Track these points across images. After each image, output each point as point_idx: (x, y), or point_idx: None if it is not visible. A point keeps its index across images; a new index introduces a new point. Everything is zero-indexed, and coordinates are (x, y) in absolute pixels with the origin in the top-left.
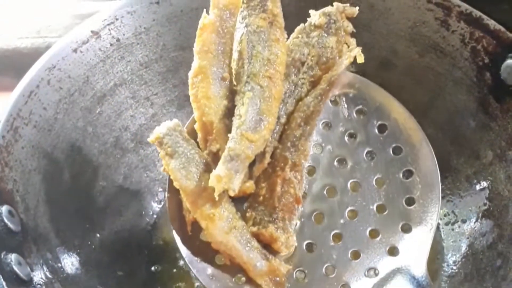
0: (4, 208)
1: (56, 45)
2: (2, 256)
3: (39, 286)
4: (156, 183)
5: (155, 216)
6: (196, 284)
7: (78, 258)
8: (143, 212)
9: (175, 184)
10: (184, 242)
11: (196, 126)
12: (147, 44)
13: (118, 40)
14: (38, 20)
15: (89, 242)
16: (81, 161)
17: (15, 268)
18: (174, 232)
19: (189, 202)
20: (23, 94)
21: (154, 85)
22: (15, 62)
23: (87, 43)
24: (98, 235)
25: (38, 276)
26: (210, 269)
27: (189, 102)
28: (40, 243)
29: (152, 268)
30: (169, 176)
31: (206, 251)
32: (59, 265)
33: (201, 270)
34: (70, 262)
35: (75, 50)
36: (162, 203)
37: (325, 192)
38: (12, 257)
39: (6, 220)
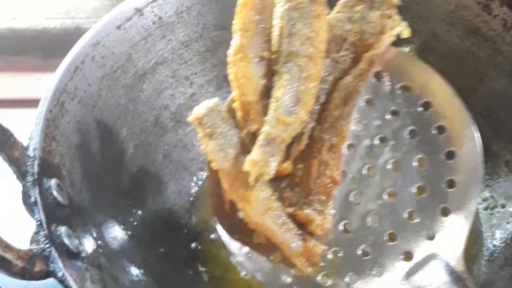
0: (53, 182)
1: (100, 22)
2: (53, 228)
3: (86, 259)
4: (194, 162)
5: (193, 195)
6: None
7: (121, 234)
8: (182, 191)
9: (213, 165)
10: (221, 220)
11: (236, 105)
12: (188, 23)
13: (160, 18)
14: (67, 1)
15: (131, 219)
16: (122, 139)
17: (66, 240)
18: (212, 209)
19: (226, 183)
20: (69, 69)
21: (194, 64)
22: (43, 43)
23: (130, 20)
24: (139, 212)
25: (85, 249)
26: (246, 247)
27: (227, 83)
28: (85, 218)
29: (192, 245)
30: (207, 156)
31: (243, 229)
32: (104, 240)
33: (237, 247)
34: (113, 238)
35: (118, 27)
36: (200, 182)
37: (364, 171)
38: (62, 229)
39: (55, 193)
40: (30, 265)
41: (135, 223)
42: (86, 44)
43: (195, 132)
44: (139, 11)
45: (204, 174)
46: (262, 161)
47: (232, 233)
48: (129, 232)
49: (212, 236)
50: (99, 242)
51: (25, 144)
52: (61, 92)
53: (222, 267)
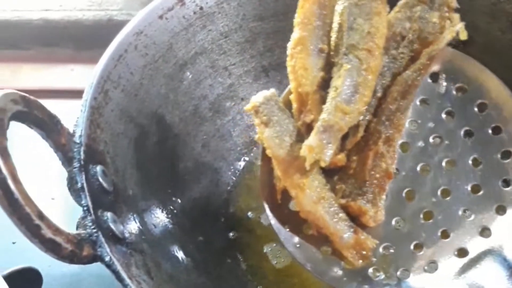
0: (98, 168)
1: (143, 11)
2: (99, 213)
3: (130, 244)
4: (232, 153)
5: (230, 185)
6: (267, 249)
7: (161, 221)
8: (220, 181)
9: (268, 152)
10: (273, 209)
11: (292, 97)
12: (228, 13)
13: (201, 8)
14: None
15: (171, 207)
16: (163, 128)
17: (111, 225)
18: (263, 199)
19: (280, 170)
20: (113, 57)
21: (233, 55)
22: (76, 34)
23: (172, 10)
24: (179, 200)
25: (129, 235)
26: (297, 238)
27: (264, 74)
28: (128, 205)
29: (230, 234)
30: (262, 144)
31: (294, 220)
32: (145, 226)
33: (288, 238)
34: (154, 224)
35: (160, 17)
36: (238, 172)
37: (418, 169)
38: (108, 215)
39: (101, 179)
40: (78, 249)
41: (175, 211)
42: (129, 33)
43: (232, 123)
44: (180, 1)
45: (241, 165)
46: (319, 147)
47: (283, 222)
48: (170, 220)
49: (250, 225)
50: (142, 228)
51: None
52: (105, 80)
53: (259, 256)
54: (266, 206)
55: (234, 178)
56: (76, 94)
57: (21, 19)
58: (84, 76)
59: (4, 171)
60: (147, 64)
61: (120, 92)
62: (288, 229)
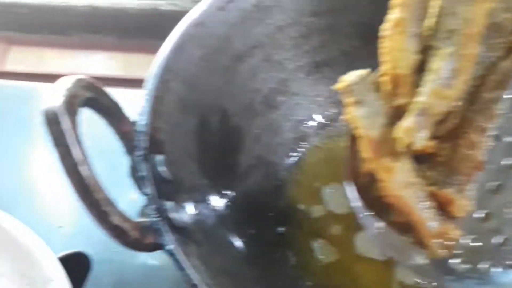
0: (160, 157)
1: (203, 3)
2: (161, 202)
3: (188, 234)
4: (282, 148)
5: (280, 179)
6: (315, 245)
7: (215, 213)
8: (270, 175)
9: (358, 132)
10: (357, 193)
11: (383, 79)
12: (285, 7)
13: (259, 1)
14: None
15: (225, 199)
16: (217, 120)
17: (172, 215)
18: (349, 181)
19: (370, 151)
20: (174, 48)
21: (287, 49)
22: (120, 23)
23: (231, 2)
24: (232, 193)
25: (187, 225)
26: (379, 223)
27: (317, 70)
28: (185, 195)
29: (279, 229)
30: (351, 125)
31: (377, 205)
32: (201, 217)
33: (370, 222)
34: (208, 216)
35: (220, 9)
36: (287, 167)
37: (504, 163)
38: (169, 204)
39: (162, 169)
40: (142, 237)
41: (229, 203)
42: (189, 24)
43: (284, 117)
44: None
45: (291, 160)
46: (413, 129)
47: (367, 206)
48: (223, 212)
49: (299, 220)
50: (198, 219)
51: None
52: (166, 70)
53: (307, 251)
54: (350, 190)
55: (284, 173)
56: (116, 82)
57: (68, 5)
58: (125, 64)
59: (76, 156)
60: (204, 56)
61: (179, 82)
62: (371, 214)
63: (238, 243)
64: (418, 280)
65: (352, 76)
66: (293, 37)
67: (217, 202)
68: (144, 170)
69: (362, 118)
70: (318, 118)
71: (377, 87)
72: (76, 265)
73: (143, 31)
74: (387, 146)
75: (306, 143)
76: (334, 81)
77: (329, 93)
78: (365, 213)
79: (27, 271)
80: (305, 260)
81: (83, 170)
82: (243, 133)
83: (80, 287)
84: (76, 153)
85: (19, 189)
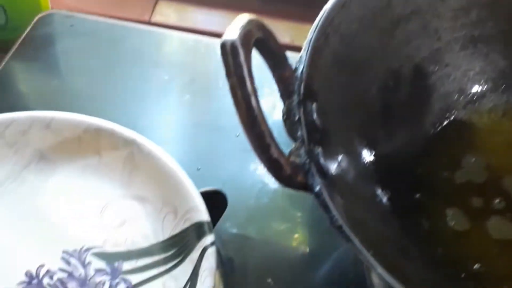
0: (314, 105)
1: None
2: (311, 147)
3: (333, 181)
4: (426, 116)
5: (422, 147)
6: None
7: (358, 167)
8: (412, 141)
9: None
10: None
11: None
12: None
13: None
14: None
15: (364, 159)
16: (366, 80)
17: (321, 159)
18: None
19: None
20: (338, 3)
21: (445, 19)
22: None
23: None
24: (374, 151)
25: (332, 173)
26: None
27: (472, 44)
28: (333, 145)
29: (416, 195)
30: None
31: None
32: (345, 169)
33: None
34: (348, 171)
35: None
36: (430, 136)
37: None
38: (319, 150)
39: (314, 116)
40: (295, 175)
41: (367, 164)
42: None
43: (432, 87)
44: None
45: (434, 130)
46: None
47: None
48: (365, 168)
49: (435, 188)
50: (342, 170)
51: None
52: (328, 24)
53: (442, 218)
54: None
55: (425, 140)
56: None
57: None
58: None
59: (249, 88)
60: (365, 15)
61: (338, 38)
62: None
63: (375, 201)
64: None
65: None
66: (453, 8)
67: (361, 157)
68: (298, 114)
69: None
70: (468, 92)
71: None
72: (213, 202)
73: None
74: None
75: (452, 115)
76: (488, 57)
77: (481, 68)
78: None
79: (171, 199)
80: (438, 227)
81: (253, 101)
82: (388, 96)
83: (216, 222)
84: (249, 84)
85: (165, 133)
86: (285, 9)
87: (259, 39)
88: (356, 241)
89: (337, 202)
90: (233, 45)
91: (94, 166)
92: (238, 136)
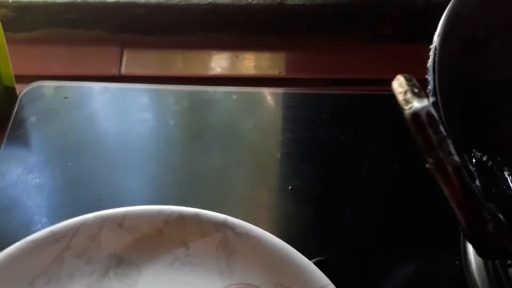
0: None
1: None
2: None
3: None
4: None
5: None
6: None
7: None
8: None
9: None
10: None
11: None
12: None
13: None
14: None
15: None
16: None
17: None
18: None
19: None
20: (452, 12)
21: None
22: (242, 20)
23: None
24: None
25: None
26: None
27: None
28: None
29: None
30: None
31: None
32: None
33: None
34: None
35: None
36: None
37: None
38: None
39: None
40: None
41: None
42: None
43: None
44: None
45: None
46: None
47: None
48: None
49: None
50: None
51: None
52: (448, 30)
53: None
54: None
55: None
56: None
57: (190, 3)
58: (249, 62)
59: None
60: (478, 18)
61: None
62: None
63: None
64: None
65: None
66: None
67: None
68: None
69: None
70: None
71: None
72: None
73: (267, 27)
74: None
75: None
76: None
77: None
78: None
79: (283, 279)
80: None
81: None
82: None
83: None
84: (456, 157)
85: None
86: (265, 41)
87: None
88: None
89: None
90: (429, 114)
91: (182, 259)
92: None
